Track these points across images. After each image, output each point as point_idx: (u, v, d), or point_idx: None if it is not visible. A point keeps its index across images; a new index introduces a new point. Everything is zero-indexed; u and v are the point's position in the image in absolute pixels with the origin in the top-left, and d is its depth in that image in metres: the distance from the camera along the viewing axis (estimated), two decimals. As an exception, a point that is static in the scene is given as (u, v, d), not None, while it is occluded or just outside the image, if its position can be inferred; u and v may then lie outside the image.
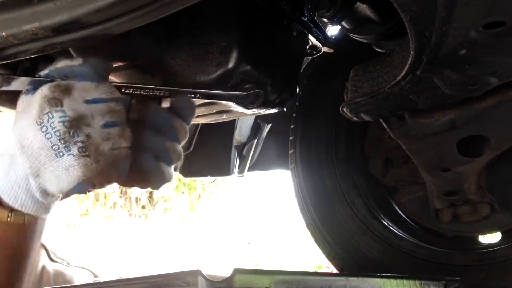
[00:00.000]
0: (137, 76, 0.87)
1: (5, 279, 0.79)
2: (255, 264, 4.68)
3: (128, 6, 0.59)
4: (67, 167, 0.68)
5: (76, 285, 1.26)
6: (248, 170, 1.83)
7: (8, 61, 0.71)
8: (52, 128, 0.68)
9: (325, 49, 1.06)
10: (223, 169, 1.76)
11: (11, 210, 0.74)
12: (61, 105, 0.68)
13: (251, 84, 0.87)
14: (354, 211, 1.48)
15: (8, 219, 0.74)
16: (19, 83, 0.73)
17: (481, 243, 1.44)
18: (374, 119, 1.13)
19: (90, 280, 1.39)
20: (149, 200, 6.36)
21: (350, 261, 1.48)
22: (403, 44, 0.92)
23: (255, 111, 0.94)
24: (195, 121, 1.05)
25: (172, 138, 0.81)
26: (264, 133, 1.78)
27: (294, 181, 1.59)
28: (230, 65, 0.84)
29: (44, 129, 0.68)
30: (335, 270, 1.58)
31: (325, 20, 1.00)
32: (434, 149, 1.17)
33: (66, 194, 0.75)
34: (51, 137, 0.68)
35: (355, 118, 1.08)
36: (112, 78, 0.90)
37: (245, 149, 1.76)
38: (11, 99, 1.25)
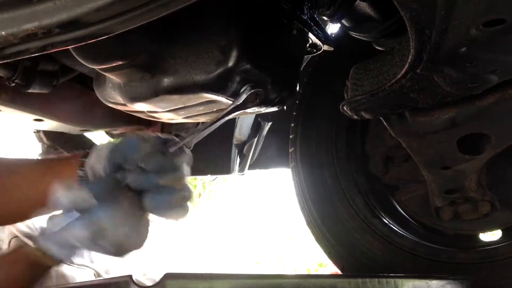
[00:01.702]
0: (137, 75, 0.87)
1: None
2: (256, 263, 4.68)
3: (128, 5, 0.59)
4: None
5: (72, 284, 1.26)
6: (249, 169, 1.83)
7: (8, 61, 0.71)
8: None
9: (325, 47, 1.06)
10: (224, 168, 1.76)
11: (44, 252, 0.84)
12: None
13: (251, 82, 0.87)
14: (355, 210, 1.48)
15: (43, 260, 0.85)
16: None
17: (482, 241, 1.44)
18: (375, 117, 1.13)
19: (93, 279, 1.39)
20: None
21: (350, 259, 1.48)
22: (404, 42, 0.92)
23: (255, 109, 0.94)
24: (195, 120, 1.05)
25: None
26: (265, 132, 1.78)
27: (294, 180, 1.59)
28: (230, 63, 0.83)
29: None
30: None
31: (325, 18, 0.99)
32: (435, 147, 1.17)
33: None
34: None
35: (355, 117, 1.08)
36: (111, 77, 0.90)
37: (245, 147, 1.76)
38: (11, 98, 1.26)
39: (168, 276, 0.83)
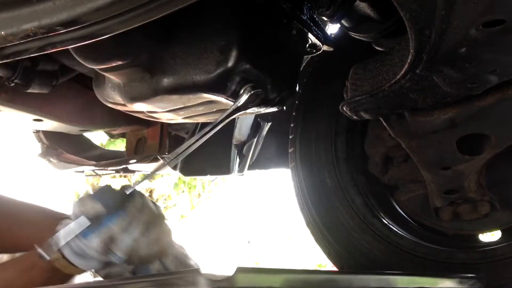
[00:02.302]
0: (137, 75, 0.87)
1: None
2: (255, 263, 4.68)
3: (127, 5, 0.59)
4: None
5: (78, 284, 1.26)
6: (248, 169, 1.83)
7: (8, 61, 0.70)
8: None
9: (325, 48, 1.06)
10: (223, 168, 1.76)
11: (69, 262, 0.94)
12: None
13: (250, 83, 0.87)
14: (354, 210, 1.48)
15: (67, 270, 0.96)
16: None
17: (481, 241, 1.44)
18: (374, 118, 1.13)
19: (91, 280, 1.39)
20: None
21: (350, 260, 1.47)
22: (403, 43, 0.92)
23: (255, 110, 0.94)
24: (195, 120, 1.05)
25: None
26: (264, 132, 1.78)
27: (294, 180, 1.59)
28: (230, 64, 0.83)
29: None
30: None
31: (324, 18, 1.00)
32: (434, 147, 1.17)
33: None
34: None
35: (355, 117, 1.08)
36: (111, 77, 0.90)
37: (245, 148, 1.76)
38: (11, 98, 1.26)
39: (239, 270, 0.82)
